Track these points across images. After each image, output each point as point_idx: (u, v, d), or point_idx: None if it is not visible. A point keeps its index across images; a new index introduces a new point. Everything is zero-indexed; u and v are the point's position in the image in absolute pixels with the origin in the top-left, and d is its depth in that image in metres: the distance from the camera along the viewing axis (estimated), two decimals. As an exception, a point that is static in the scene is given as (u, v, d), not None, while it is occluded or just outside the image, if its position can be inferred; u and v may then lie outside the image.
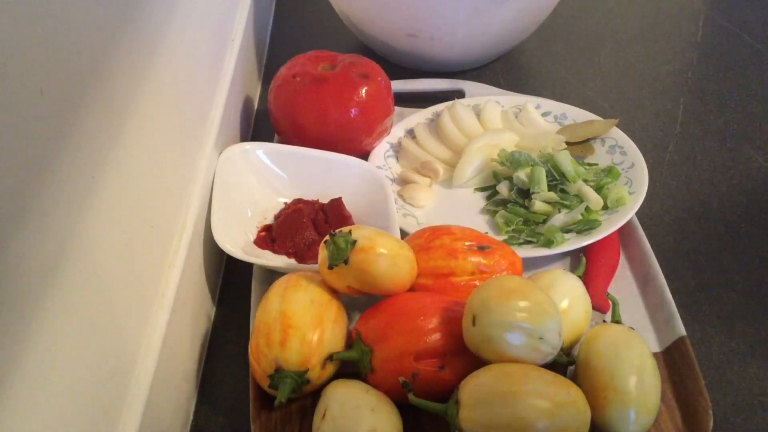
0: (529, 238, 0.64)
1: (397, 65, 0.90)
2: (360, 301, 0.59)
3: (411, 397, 0.47)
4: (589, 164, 0.71)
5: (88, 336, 0.38)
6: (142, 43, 0.48)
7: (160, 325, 0.48)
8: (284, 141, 0.73)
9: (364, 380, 0.50)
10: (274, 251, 0.63)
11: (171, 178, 0.54)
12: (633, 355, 0.48)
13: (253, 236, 0.64)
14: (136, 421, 0.43)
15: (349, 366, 0.52)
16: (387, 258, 0.51)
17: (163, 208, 0.51)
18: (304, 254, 0.62)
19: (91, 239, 0.38)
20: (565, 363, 0.51)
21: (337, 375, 0.51)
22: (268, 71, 0.94)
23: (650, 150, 0.78)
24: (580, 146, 0.74)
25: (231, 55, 0.75)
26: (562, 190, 0.67)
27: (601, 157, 0.72)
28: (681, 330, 0.55)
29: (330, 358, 0.50)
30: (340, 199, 0.66)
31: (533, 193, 0.66)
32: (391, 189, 0.66)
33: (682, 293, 0.63)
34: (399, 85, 0.82)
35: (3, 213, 0.30)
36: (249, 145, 0.67)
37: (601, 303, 0.59)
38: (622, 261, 0.64)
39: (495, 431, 0.43)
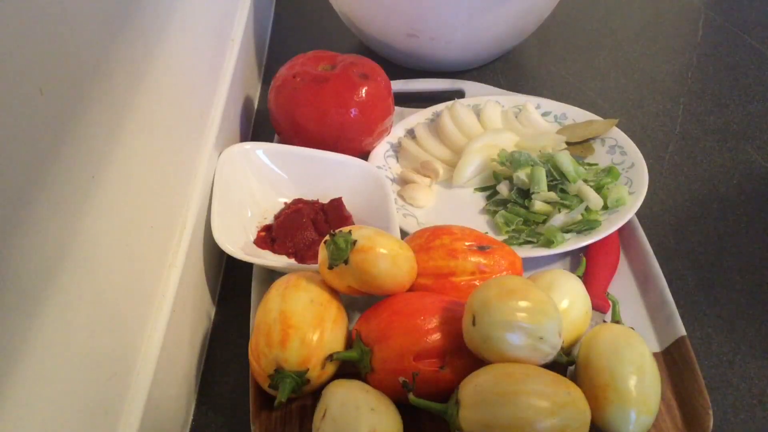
0: (529, 238, 0.64)
1: (397, 65, 0.90)
2: (360, 301, 0.59)
3: (411, 397, 0.47)
4: (589, 164, 0.71)
5: (88, 336, 0.38)
6: (142, 43, 0.48)
7: (160, 325, 0.48)
8: (284, 141, 0.73)
9: (364, 380, 0.50)
10: (274, 251, 0.63)
11: (171, 178, 0.54)
12: (633, 355, 0.48)
13: (253, 236, 0.64)
14: (136, 421, 0.43)
15: (349, 366, 0.52)
16: (387, 258, 0.51)
17: (163, 208, 0.51)
18: (304, 254, 0.62)
19: (91, 239, 0.38)
20: (565, 363, 0.51)
21: (337, 375, 0.51)
22: (268, 71, 0.94)
23: (650, 150, 0.78)
24: (580, 146, 0.74)
25: (231, 55, 0.75)
26: (562, 190, 0.67)
27: (601, 157, 0.72)
28: (681, 330, 0.55)
29: (330, 358, 0.50)
30: (340, 199, 0.66)
31: (533, 193, 0.66)
32: (391, 189, 0.66)
33: (682, 293, 0.63)
34: (399, 85, 0.82)
35: (3, 213, 0.30)
36: (249, 145, 0.67)
37: (601, 303, 0.59)
38: (622, 261, 0.64)
39: (495, 431, 0.43)
